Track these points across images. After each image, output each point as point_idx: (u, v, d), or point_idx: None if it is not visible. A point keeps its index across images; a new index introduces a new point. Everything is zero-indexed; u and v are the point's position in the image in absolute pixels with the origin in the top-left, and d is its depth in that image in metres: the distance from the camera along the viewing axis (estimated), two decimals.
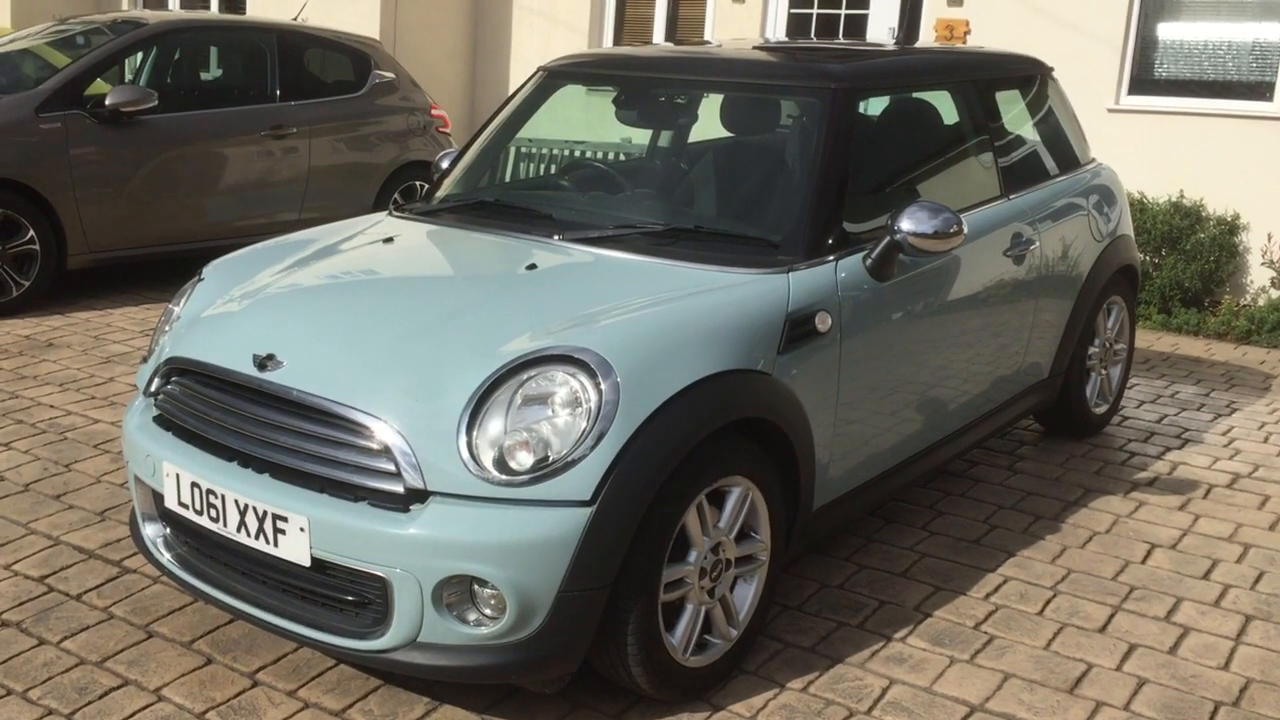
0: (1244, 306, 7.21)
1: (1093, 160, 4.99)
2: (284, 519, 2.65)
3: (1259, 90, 7.41)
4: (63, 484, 4.07)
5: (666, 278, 3.08)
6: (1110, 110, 7.72)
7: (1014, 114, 4.48)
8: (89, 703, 2.82)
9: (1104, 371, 4.95)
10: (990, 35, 7.82)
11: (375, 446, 2.60)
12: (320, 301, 3.16)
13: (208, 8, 11.48)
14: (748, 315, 2.95)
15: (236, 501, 2.73)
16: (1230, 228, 7.29)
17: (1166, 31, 7.69)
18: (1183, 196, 7.41)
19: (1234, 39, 7.47)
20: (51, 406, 4.86)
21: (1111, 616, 3.42)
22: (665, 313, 2.87)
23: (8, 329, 5.99)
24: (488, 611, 2.59)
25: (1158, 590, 3.60)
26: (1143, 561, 3.80)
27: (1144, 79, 7.78)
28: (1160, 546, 3.92)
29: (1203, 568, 3.77)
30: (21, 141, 6.23)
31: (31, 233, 6.25)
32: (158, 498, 3.00)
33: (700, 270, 3.12)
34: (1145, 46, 7.75)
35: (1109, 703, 2.98)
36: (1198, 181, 7.45)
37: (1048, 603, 3.49)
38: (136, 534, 3.15)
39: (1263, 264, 7.27)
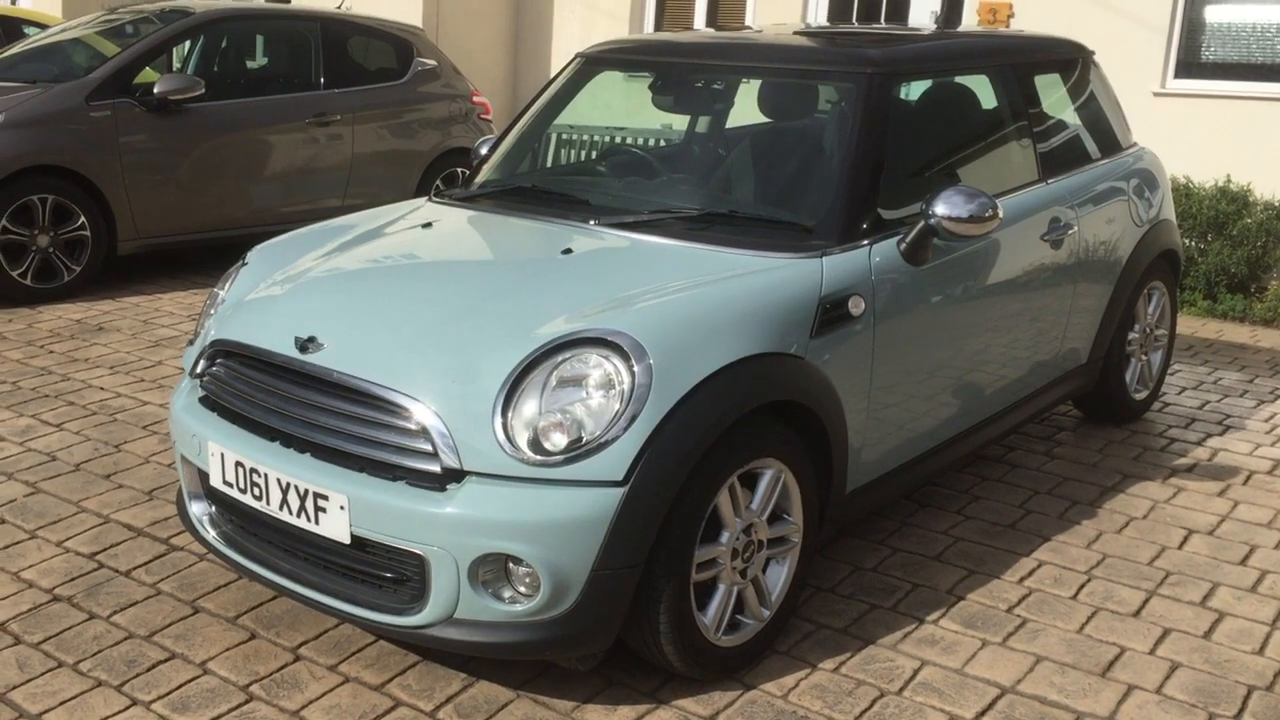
0: None
1: (1134, 144, 4.95)
2: (325, 497, 2.72)
3: None
4: (112, 464, 4.17)
5: (701, 262, 3.11)
6: (1156, 94, 7.64)
7: (1054, 98, 4.46)
8: (137, 675, 2.90)
9: (1144, 357, 4.92)
10: (1034, 18, 7.76)
11: (413, 427, 2.66)
12: (360, 285, 3.22)
13: None
14: (781, 299, 2.98)
15: (279, 480, 2.80)
16: (1278, 213, 7.19)
17: (1213, 14, 7.58)
18: (1229, 181, 7.32)
19: None
20: (102, 389, 4.97)
21: (1146, 601, 3.42)
22: (699, 296, 2.90)
23: (60, 313, 6.12)
24: (522, 589, 2.64)
25: (1194, 575, 3.59)
26: (1179, 547, 3.79)
27: (1190, 62, 7.68)
28: (1198, 532, 3.90)
29: (1240, 553, 3.75)
30: (73, 129, 6.36)
31: (82, 219, 6.39)
32: (203, 476, 3.07)
33: (734, 255, 3.14)
34: (1191, 29, 7.65)
35: (1141, 686, 2.98)
36: (1245, 166, 7.35)
37: (1082, 587, 3.49)
38: (183, 512, 3.23)
39: None
